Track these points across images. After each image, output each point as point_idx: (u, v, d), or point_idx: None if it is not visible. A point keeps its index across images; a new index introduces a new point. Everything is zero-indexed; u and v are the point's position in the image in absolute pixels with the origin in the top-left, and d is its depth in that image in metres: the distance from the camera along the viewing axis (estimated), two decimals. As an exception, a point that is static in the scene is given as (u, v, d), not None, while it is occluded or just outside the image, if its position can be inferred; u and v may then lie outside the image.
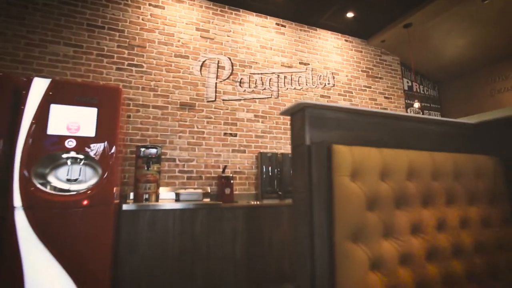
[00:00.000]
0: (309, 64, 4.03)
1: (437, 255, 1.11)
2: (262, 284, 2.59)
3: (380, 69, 4.58)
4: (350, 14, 3.88)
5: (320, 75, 4.08)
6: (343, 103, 4.14)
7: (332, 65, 4.19)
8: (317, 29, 4.20)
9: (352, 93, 4.25)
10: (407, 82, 4.82)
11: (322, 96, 4.03)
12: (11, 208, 1.77)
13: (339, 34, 4.36)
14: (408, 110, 4.71)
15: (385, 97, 4.52)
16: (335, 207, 0.99)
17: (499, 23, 3.67)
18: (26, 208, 1.79)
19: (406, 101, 4.71)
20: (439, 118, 1.53)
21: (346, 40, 4.40)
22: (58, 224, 1.87)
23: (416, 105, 4.19)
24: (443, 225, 1.16)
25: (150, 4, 3.29)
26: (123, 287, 2.18)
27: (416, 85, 4.90)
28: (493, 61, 4.26)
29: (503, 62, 4.18)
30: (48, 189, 1.92)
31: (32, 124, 1.88)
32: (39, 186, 1.87)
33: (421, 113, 4.82)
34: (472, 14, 3.58)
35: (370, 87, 4.42)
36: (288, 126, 3.65)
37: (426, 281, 1.03)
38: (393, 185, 1.07)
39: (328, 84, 4.11)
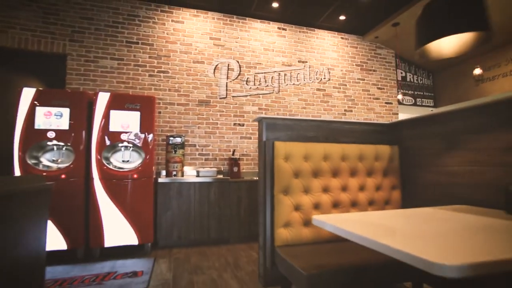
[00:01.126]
0: (307, 61, 4.68)
1: (339, 205, 1.90)
2: (258, 237, 3.50)
3: (374, 62, 5.10)
4: (342, 17, 4.44)
5: (317, 71, 4.72)
6: (336, 95, 4.77)
7: (328, 61, 4.80)
8: (315, 29, 4.79)
9: (346, 86, 4.86)
10: (401, 73, 5.29)
11: (318, 89, 4.69)
12: (92, 179, 2.77)
13: (336, 33, 4.91)
14: (401, 100, 5.22)
15: (378, 88, 5.07)
16: (275, 176, 1.81)
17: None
18: (101, 178, 2.79)
19: (399, 90, 5.22)
20: (360, 121, 2.24)
21: (342, 38, 4.94)
22: (119, 189, 2.86)
23: (400, 96, 4.70)
24: (346, 188, 1.93)
25: (172, 20, 4.10)
26: (161, 233, 3.18)
27: (410, 75, 5.36)
28: (476, 54, 4.62)
29: (486, 54, 4.54)
30: (111, 167, 2.90)
31: (100, 124, 2.84)
32: (106, 164, 2.85)
33: (408, 101, 5.30)
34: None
35: (363, 79, 4.98)
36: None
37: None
38: (311, 164, 1.86)
39: (324, 78, 4.75)
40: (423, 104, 5.41)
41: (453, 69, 5.16)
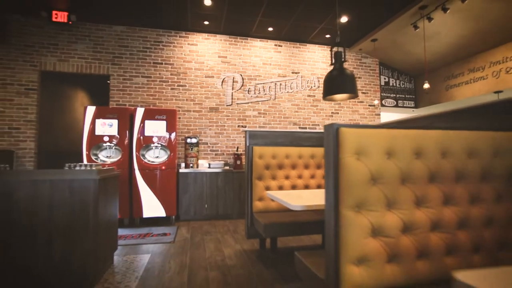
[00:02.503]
0: (299, 72, 5.60)
1: (296, 187, 2.91)
2: (256, 214, 4.55)
3: (359, 70, 5.92)
4: (328, 35, 5.30)
5: (308, 80, 5.63)
6: (323, 100, 5.66)
7: (318, 71, 5.69)
8: (307, 44, 5.67)
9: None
10: (384, 79, 6.08)
11: (308, 96, 5.61)
12: (133, 170, 3.93)
13: (325, 46, 5.77)
14: (383, 101, 6.04)
15: (363, 92, 5.90)
16: (253, 168, 2.83)
17: (447, 37, 4.78)
18: (139, 169, 3.94)
19: (382, 94, 6.03)
20: (312, 131, 3.20)
21: (331, 50, 5.78)
22: (152, 176, 4.00)
23: (376, 101, 5.53)
24: (301, 176, 2.93)
25: (188, 43, 5.14)
26: (182, 209, 4.32)
27: (393, 80, 6.14)
28: (446, 64, 5.34)
29: (453, 64, 5.25)
30: (146, 161, 4.04)
31: (138, 130, 3.97)
32: (142, 159, 4.00)
33: (384, 105, 6.09)
34: (419, 32, 4.76)
35: (349, 86, 5.82)
36: (278, 121, 5.38)
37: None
38: (277, 161, 2.87)
39: (314, 86, 5.65)
40: (404, 105, 6.19)
41: (429, 76, 5.89)
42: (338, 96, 2.89)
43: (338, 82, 2.68)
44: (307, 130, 5.47)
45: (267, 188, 2.84)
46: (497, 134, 1.29)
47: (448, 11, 3.89)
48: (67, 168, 2.12)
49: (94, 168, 2.14)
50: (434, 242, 1.17)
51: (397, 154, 1.17)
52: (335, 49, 2.82)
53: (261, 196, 2.81)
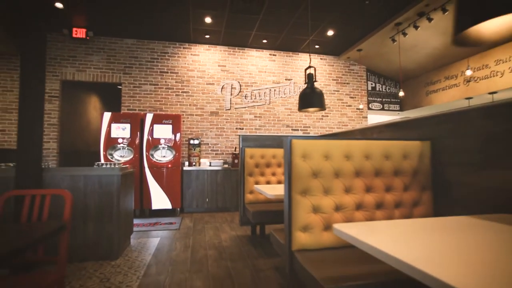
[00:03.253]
0: (291, 79, 6.14)
1: (280, 183, 3.47)
2: (251, 208, 5.13)
3: (348, 76, 6.44)
4: (317, 46, 5.83)
5: (300, 86, 6.16)
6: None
7: (309, 78, 6.21)
8: (299, 53, 6.21)
9: (324, 96, 6.26)
10: (371, 84, 6.60)
11: (300, 100, 6.14)
12: (143, 167, 4.52)
13: (316, 55, 6.30)
14: (370, 105, 6.56)
15: (350, 97, 6.43)
16: (245, 166, 3.40)
17: (424, 48, 5.28)
18: (149, 167, 4.53)
19: (369, 98, 6.55)
20: (300, 135, 3.76)
21: (321, 58, 6.33)
22: (159, 173, 4.58)
23: (361, 106, 6.06)
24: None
25: (191, 54, 5.71)
26: (185, 202, 4.90)
27: (379, 86, 6.65)
28: (426, 71, 5.85)
29: (432, 72, 5.76)
30: (154, 160, 4.63)
31: (148, 133, 4.55)
32: (151, 158, 4.58)
33: (365, 109, 6.61)
34: (398, 44, 5.27)
35: (338, 91, 6.37)
36: (272, 124, 5.93)
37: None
38: (265, 160, 3.43)
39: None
40: (390, 109, 6.71)
41: (413, 82, 6.40)
42: (311, 109, 3.48)
43: (310, 98, 3.23)
44: (292, 135, 6.02)
45: (257, 183, 3.41)
46: (405, 142, 1.84)
47: (419, 28, 4.41)
48: (96, 166, 2.71)
49: (116, 166, 2.72)
50: (357, 218, 1.73)
51: (332, 157, 1.69)
52: (308, 71, 3.34)
53: (251, 190, 3.38)
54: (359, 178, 1.71)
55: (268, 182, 3.45)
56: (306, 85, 3.28)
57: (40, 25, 2.48)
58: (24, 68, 2.36)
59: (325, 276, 1.26)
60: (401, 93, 4.77)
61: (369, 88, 6.58)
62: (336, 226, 0.97)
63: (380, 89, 6.68)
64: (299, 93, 6.09)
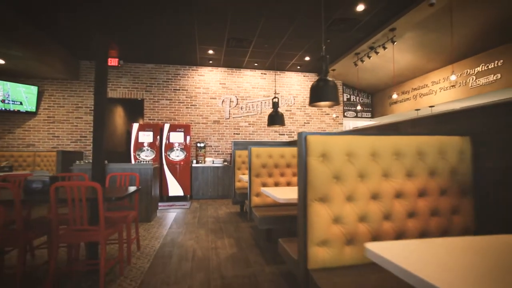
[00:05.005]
0: (279, 93, 7.56)
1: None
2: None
3: (326, 90, 7.81)
4: (298, 67, 7.24)
5: (286, 99, 7.58)
6: (299, 113, 7.62)
7: (294, 92, 7.63)
8: (285, 72, 7.62)
9: (306, 106, 7.68)
10: (347, 96, 7.96)
11: (286, 110, 7.56)
12: (163, 164, 6.03)
13: (300, 73, 7.70)
14: (345, 113, 7.92)
15: (328, 107, 7.80)
16: (235, 164, 4.85)
17: (383, 70, 6.63)
18: (167, 164, 6.04)
19: (345, 108, 7.91)
20: (273, 141, 5.18)
21: (304, 76, 7.73)
22: (174, 169, 6.09)
23: (334, 115, 7.43)
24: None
25: (198, 75, 7.19)
26: (194, 191, 6.40)
27: (353, 97, 8.01)
28: (388, 86, 7.19)
29: (393, 87, 7.10)
30: (170, 158, 6.13)
31: (166, 138, 6.07)
32: (168, 157, 6.09)
33: (341, 116, 7.97)
34: (362, 66, 6.63)
35: (318, 102, 7.75)
36: (263, 129, 7.37)
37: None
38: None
39: (290, 103, 7.60)
40: (362, 116, 8.06)
41: (380, 94, 7.74)
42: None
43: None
44: (270, 140, 7.44)
45: (243, 174, 4.85)
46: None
47: (371, 58, 5.77)
48: (137, 162, 4.21)
49: (150, 162, 4.22)
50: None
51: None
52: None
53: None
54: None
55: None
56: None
57: (105, 59, 3.96)
58: (96, 92, 3.84)
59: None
60: (359, 107, 6.12)
61: (345, 99, 7.95)
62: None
63: (355, 100, 8.03)
64: (285, 105, 7.53)
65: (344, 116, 7.91)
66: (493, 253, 0.75)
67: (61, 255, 2.75)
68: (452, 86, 5.53)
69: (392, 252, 0.73)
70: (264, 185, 3.71)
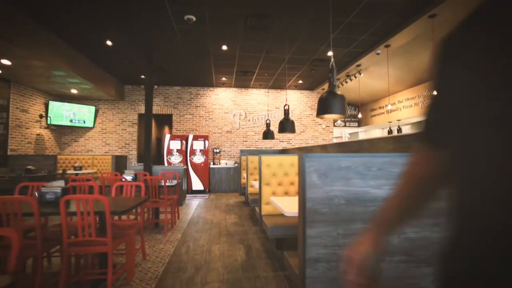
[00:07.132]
0: (279, 107, 9.26)
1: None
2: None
3: (319, 104, 9.44)
4: (295, 86, 8.93)
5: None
6: (296, 124, 9.29)
7: (292, 106, 9.31)
8: (285, 90, 9.32)
9: (302, 118, 9.34)
10: (337, 109, 9.54)
11: (286, 121, 9.25)
12: (188, 166, 7.93)
13: (297, 90, 9.38)
14: (335, 123, 9.51)
15: (320, 118, 9.42)
16: (241, 165, 6.61)
17: (364, 88, 8.17)
18: (191, 165, 7.93)
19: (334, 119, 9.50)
20: (271, 148, 6.91)
21: (300, 93, 9.39)
22: (197, 169, 7.96)
23: (324, 126, 9.05)
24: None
25: (214, 94, 9.03)
26: (211, 186, 8.25)
27: (342, 109, 9.58)
28: (370, 101, 8.73)
29: (373, 102, 8.63)
30: (194, 161, 8.01)
31: (190, 145, 7.96)
32: (192, 160, 7.97)
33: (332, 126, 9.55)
34: (347, 86, 8.20)
35: (312, 114, 9.39)
36: (268, 140, 9.11)
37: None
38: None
39: (289, 115, 9.28)
40: (350, 125, 9.62)
41: (365, 106, 9.28)
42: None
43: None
44: (269, 148, 9.15)
45: (274, 193, 6.63)
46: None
47: (349, 82, 7.38)
48: (173, 165, 6.09)
49: (181, 164, 6.09)
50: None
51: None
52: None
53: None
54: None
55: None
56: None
57: (151, 88, 5.84)
58: (146, 110, 5.72)
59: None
60: (339, 121, 7.73)
61: (335, 112, 9.53)
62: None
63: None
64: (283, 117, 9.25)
65: (335, 126, 9.51)
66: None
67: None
68: (410, 106, 7.05)
69: (278, 200, 2.54)
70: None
